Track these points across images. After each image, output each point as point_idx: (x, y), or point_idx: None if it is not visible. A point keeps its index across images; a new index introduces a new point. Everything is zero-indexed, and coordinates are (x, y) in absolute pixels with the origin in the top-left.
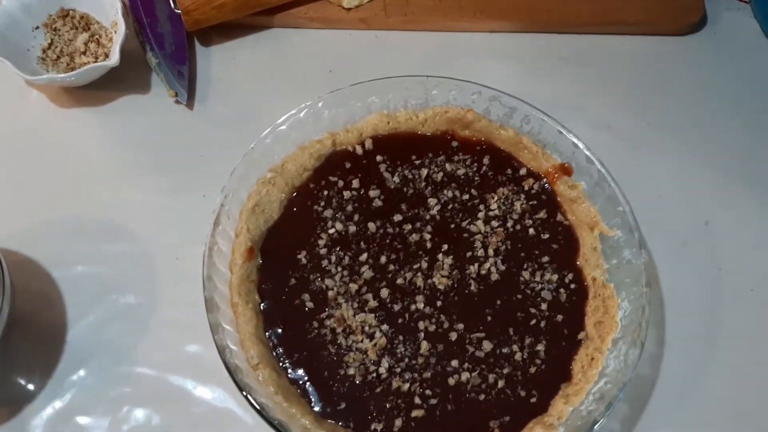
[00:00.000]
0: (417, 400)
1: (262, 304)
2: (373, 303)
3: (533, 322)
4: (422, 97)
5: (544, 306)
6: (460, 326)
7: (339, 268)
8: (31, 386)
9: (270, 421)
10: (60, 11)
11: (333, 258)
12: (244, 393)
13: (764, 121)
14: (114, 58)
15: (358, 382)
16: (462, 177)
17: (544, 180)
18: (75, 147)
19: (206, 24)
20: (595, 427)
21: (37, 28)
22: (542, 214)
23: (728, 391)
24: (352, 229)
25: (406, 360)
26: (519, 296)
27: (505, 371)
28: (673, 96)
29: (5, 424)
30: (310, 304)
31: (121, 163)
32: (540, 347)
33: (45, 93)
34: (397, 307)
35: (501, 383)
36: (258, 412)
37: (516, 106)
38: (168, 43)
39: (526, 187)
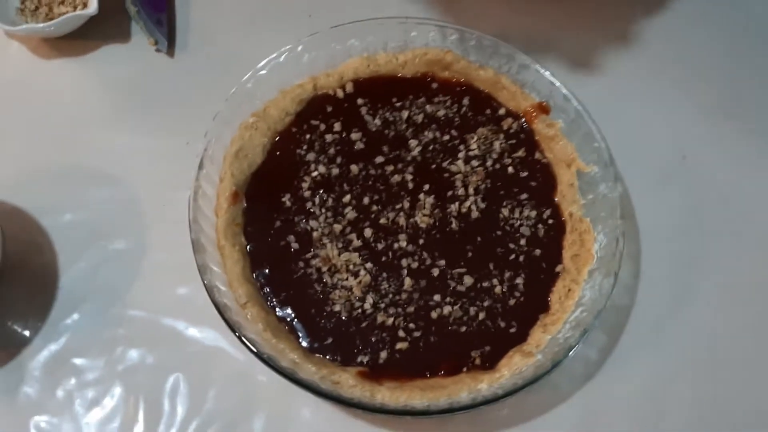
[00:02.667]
0: (401, 333)
1: (249, 246)
2: (357, 242)
3: (512, 257)
4: (401, 39)
5: (522, 241)
6: (442, 262)
7: (323, 210)
8: (26, 331)
9: (260, 356)
10: None
11: (317, 200)
12: (234, 329)
13: (745, 53)
14: (92, 7)
15: (344, 318)
16: (442, 118)
17: (523, 119)
18: (57, 97)
19: None
20: (570, 353)
21: None
22: (521, 153)
23: (701, 319)
24: (335, 171)
25: (390, 296)
26: (498, 232)
27: (486, 304)
28: (652, 27)
29: (4, 366)
30: (295, 245)
31: (104, 112)
32: (519, 280)
33: (25, 44)
34: (380, 246)
35: (482, 315)
36: (247, 347)
37: (494, 46)
38: None
39: (505, 127)
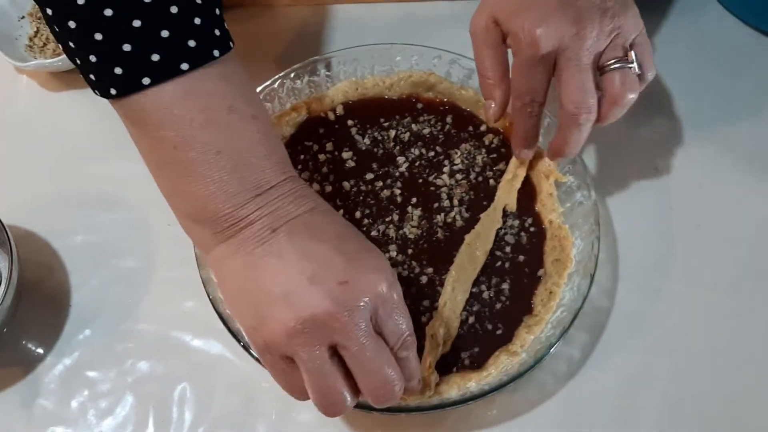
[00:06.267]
0: None
1: None
2: None
3: (498, 263)
4: (387, 63)
5: (507, 249)
6: (430, 270)
7: None
8: (42, 347)
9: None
10: None
11: None
12: (238, 339)
13: (707, 73)
14: None
15: None
16: (427, 135)
17: (503, 135)
18: (66, 126)
19: None
20: (551, 350)
21: (23, 17)
22: (501, 166)
23: (676, 319)
24: (328, 188)
25: None
26: None
27: (474, 308)
28: None
29: (21, 381)
30: None
31: (110, 140)
32: (504, 285)
33: (35, 78)
34: None
35: (471, 319)
36: (251, 354)
37: (474, 68)
38: None
39: (487, 142)
